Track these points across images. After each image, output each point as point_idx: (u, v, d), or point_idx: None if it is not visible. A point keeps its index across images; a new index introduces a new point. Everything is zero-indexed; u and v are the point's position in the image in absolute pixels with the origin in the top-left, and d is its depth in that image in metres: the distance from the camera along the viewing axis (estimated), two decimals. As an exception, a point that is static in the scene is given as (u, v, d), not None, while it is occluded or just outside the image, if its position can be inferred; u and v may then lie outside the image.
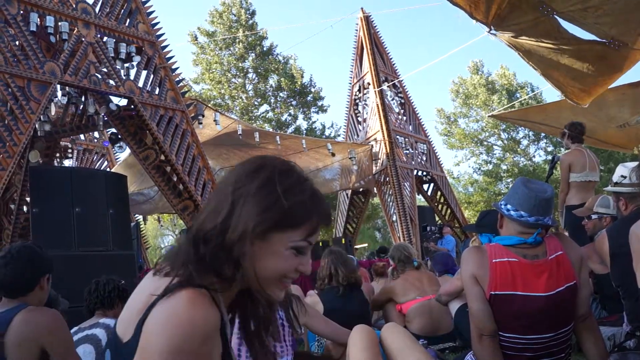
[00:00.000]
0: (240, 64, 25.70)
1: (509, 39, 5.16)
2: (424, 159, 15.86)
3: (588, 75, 5.71)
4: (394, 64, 15.89)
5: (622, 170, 3.22)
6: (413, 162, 15.26)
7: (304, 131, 26.09)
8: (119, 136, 9.06)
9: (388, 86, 15.33)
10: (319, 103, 27.21)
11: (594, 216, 4.43)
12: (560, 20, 4.86)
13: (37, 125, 8.00)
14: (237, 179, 1.20)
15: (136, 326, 1.11)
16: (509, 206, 2.54)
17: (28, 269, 2.43)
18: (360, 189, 15.81)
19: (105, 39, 8.11)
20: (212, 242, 1.16)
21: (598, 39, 5.16)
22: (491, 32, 4.92)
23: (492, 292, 2.41)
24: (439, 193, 16.21)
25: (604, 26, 4.89)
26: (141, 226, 14.86)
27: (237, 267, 1.17)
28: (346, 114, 16.50)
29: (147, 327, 1.07)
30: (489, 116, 19.88)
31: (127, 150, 9.74)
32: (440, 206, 16.31)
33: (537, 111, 10.73)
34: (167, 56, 9.00)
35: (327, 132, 26.99)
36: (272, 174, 1.19)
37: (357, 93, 15.97)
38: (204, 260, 1.15)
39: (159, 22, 8.96)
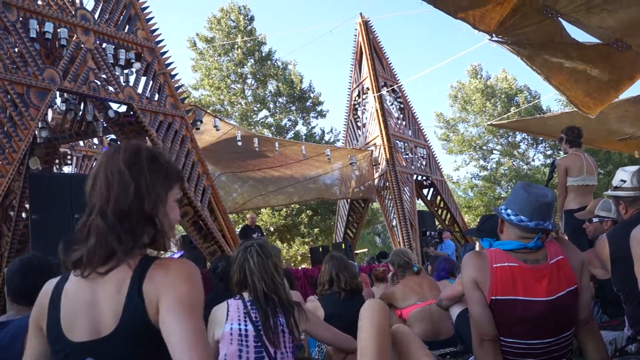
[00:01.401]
0: (239, 70, 25.73)
1: (511, 46, 5.16)
2: (424, 163, 15.85)
3: (592, 77, 5.69)
4: (393, 69, 15.91)
5: (622, 175, 3.22)
6: (413, 167, 15.25)
7: (304, 136, 26.09)
8: (119, 142, 9.06)
9: (387, 91, 15.34)
10: (318, 108, 27.21)
11: (595, 219, 4.43)
12: (564, 23, 4.85)
13: (36, 132, 8.00)
14: (126, 163, 1.52)
15: (123, 311, 1.42)
16: (509, 211, 2.54)
17: (42, 277, 2.52)
18: (360, 195, 15.80)
19: (104, 45, 8.11)
20: (133, 214, 1.49)
21: (601, 42, 5.14)
22: (492, 39, 4.91)
23: (493, 297, 2.40)
24: (438, 198, 16.19)
25: (609, 30, 4.88)
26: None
27: (155, 228, 1.52)
28: (345, 119, 16.50)
29: (162, 275, 1.44)
30: (488, 124, 19.90)
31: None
32: (440, 211, 16.29)
33: (537, 123, 10.78)
34: (166, 62, 9.00)
35: (326, 137, 26.98)
36: (151, 152, 1.58)
37: (357, 98, 15.98)
38: (135, 231, 1.49)
39: (158, 29, 8.97)
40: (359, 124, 16.10)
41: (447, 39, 60.97)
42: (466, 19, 4.67)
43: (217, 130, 10.87)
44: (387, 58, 15.80)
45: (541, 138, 28.42)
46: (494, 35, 4.89)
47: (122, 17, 8.48)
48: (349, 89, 16.21)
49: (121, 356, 1.44)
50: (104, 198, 1.50)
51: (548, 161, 28.20)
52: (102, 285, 1.47)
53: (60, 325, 1.50)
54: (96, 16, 8.12)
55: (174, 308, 1.39)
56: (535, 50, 5.26)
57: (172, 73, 9.09)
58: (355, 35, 15.65)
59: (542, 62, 5.43)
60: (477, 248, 6.88)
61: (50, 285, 1.60)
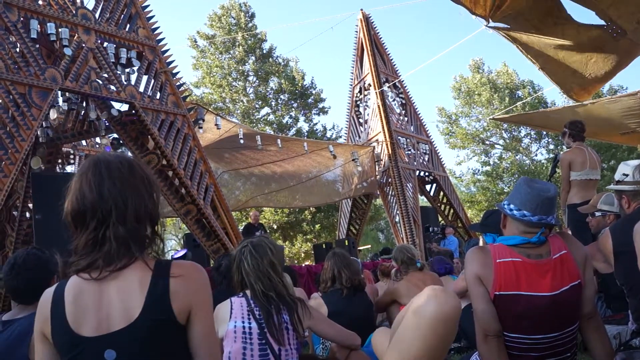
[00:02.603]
0: (240, 67, 25.72)
1: (507, 32, 5.11)
2: (426, 159, 15.84)
3: (587, 68, 5.66)
4: (394, 65, 15.89)
5: (624, 169, 3.22)
6: (415, 163, 15.24)
7: (306, 133, 26.09)
8: (121, 141, 9.06)
9: (389, 87, 15.32)
10: (320, 105, 27.19)
11: (597, 214, 4.43)
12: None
13: (38, 132, 8.00)
14: (131, 175, 1.66)
15: (145, 300, 1.53)
16: (512, 206, 2.54)
17: (37, 276, 2.55)
18: (363, 191, 15.82)
19: (105, 44, 8.10)
20: (145, 219, 1.66)
21: (596, 23, 5.08)
22: (489, 25, 4.87)
23: (497, 293, 2.40)
24: (441, 193, 16.18)
25: (602, 3, 4.81)
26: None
27: (154, 230, 1.70)
28: (347, 115, 16.49)
29: (192, 281, 1.63)
30: (491, 119, 19.82)
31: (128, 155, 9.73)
32: (443, 206, 16.28)
33: (540, 117, 10.74)
34: (168, 60, 8.98)
35: (328, 134, 26.98)
36: (140, 164, 1.73)
37: (358, 94, 15.96)
38: (146, 234, 1.66)
39: (159, 27, 8.96)
40: (360, 120, 16.07)
41: (449, 33, 60.76)
42: (462, 2, 4.61)
43: (218, 128, 10.87)
44: (388, 54, 15.78)
45: (545, 132, 28.36)
46: (490, 20, 4.83)
47: (122, 15, 8.47)
48: (351, 85, 16.18)
49: (143, 344, 1.53)
50: (120, 206, 1.60)
51: (551, 156, 28.12)
52: (114, 282, 1.56)
53: (68, 325, 1.53)
54: (97, 15, 8.11)
55: (201, 312, 1.63)
56: (531, 39, 5.21)
57: (174, 71, 9.08)
58: (356, 32, 15.63)
59: (537, 52, 5.39)
60: (480, 243, 6.88)
61: (48, 293, 1.64)
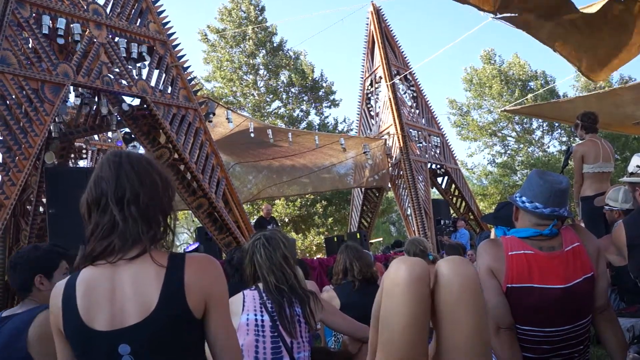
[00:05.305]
0: (251, 61, 25.69)
1: (515, 20, 5.05)
2: (438, 152, 15.79)
3: (600, 44, 5.55)
4: (405, 57, 15.82)
5: (637, 161, 3.19)
6: (427, 156, 15.19)
7: (317, 126, 26.06)
8: (133, 136, 9.11)
9: (400, 79, 15.27)
10: (331, 98, 27.11)
11: (606, 207, 4.42)
12: None
13: (51, 127, 8.06)
14: (152, 167, 1.70)
15: (160, 295, 1.52)
16: (524, 198, 2.53)
17: (24, 271, 2.56)
18: (374, 184, 15.80)
19: (116, 39, 8.14)
20: (157, 208, 1.65)
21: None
22: (497, 17, 4.82)
23: (509, 285, 2.40)
24: (453, 186, 16.12)
25: None
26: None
27: (166, 223, 1.70)
28: (358, 108, 16.46)
29: (206, 274, 1.62)
30: (502, 111, 19.65)
31: (141, 150, 9.80)
32: (454, 199, 16.23)
33: (551, 108, 10.65)
34: (179, 55, 9.01)
35: (339, 127, 26.91)
36: (160, 165, 1.75)
37: (369, 87, 15.92)
38: (158, 222, 1.66)
39: (169, 22, 8.99)
40: (372, 113, 16.05)
41: (457, 23, 60.36)
42: (470, 2, 4.58)
43: (229, 122, 10.89)
44: (400, 46, 15.71)
45: (557, 124, 28.12)
46: (497, 13, 4.79)
47: (133, 10, 8.50)
48: (362, 78, 16.15)
49: (157, 339, 1.51)
50: (135, 189, 1.61)
51: (563, 148, 27.89)
52: (128, 275, 1.55)
53: (80, 318, 1.51)
54: (108, 10, 8.14)
55: (217, 304, 1.62)
56: (541, 23, 5.13)
57: (185, 65, 9.10)
58: (367, 24, 15.58)
59: (547, 35, 5.31)
60: (492, 236, 6.86)
61: (60, 285, 1.63)
